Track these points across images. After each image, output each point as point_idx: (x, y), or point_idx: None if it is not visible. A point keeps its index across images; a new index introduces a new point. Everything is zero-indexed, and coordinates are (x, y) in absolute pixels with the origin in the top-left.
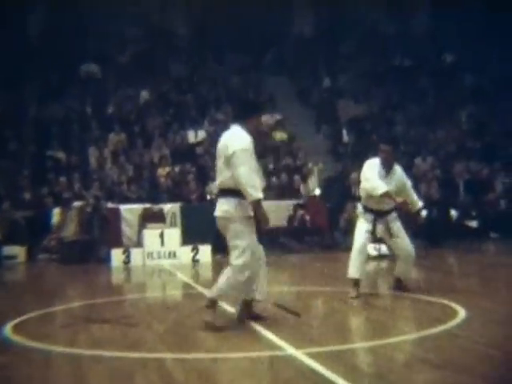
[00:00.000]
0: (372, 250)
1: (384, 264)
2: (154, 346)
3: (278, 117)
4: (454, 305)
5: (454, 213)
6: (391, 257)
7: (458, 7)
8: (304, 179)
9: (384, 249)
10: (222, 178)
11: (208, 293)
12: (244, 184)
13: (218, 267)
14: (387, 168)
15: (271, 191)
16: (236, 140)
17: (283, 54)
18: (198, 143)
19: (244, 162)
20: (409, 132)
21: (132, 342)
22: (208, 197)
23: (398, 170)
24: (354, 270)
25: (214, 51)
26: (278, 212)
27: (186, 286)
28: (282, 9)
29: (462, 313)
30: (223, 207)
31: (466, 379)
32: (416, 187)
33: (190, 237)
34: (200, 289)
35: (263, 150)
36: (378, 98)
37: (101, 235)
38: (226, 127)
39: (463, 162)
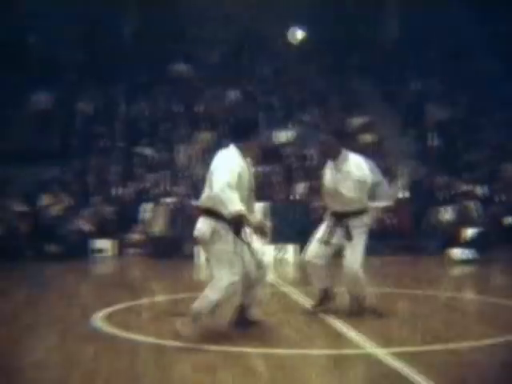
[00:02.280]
0: (457, 253)
1: (470, 268)
2: (237, 341)
3: (365, 119)
4: None
5: None
6: (478, 261)
7: None
8: (390, 182)
9: (469, 253)
10: (204, 195)
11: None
12: (219, 201)
13: (302, 267)
14: (334, 161)
15: None
16: (221, 159)
17: (370, 56)
18: (285, 144)
19: (219, 180)
20: (495, 136)
21: (214, 335)
22: (294, 197)
23: (351, 164)
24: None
25: (300, 52)
26: None
27: (269, 284)
28: (370, 10)
29: None
30: (200, 227)
31: None
32: (505, 192)
33: (275, 236)
34: (284, 288)
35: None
36: (465, 102)
37: (186, 232)
38: (311, 128)
39: None
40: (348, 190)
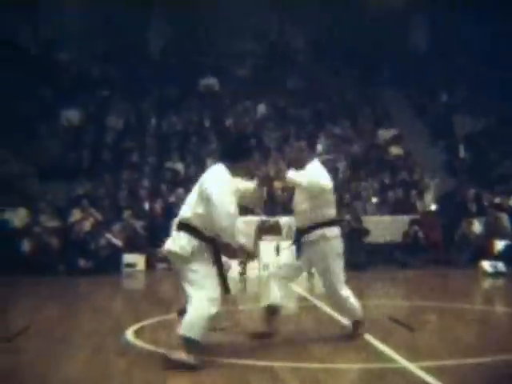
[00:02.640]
0: (488, 266)
1: (501, 281)
2: (268, 355)
3: (395, 131)
4: None
5: None
6: (509, 274)
7: None
8: (420, 194)
9: (501, 266)
10: (190, 212)
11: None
12: (226, 233)
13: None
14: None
15: (387, 206)
16: (217, 182)
17: (399, 69)
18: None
19: (225, 211)
20: None
21: (245, 349)
22: None
23: (305, 173)
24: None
25: (330, 66)
26: (394, 227)
27: (300, 298)
28: (398, 23)
29: None
30: (180, 242)
31: None
32: None
33: None
34: (315, 302)
35: (264, 198)
36: (495, 113)
37: None
38: (342, 141)
39: None
40: (300, 201)
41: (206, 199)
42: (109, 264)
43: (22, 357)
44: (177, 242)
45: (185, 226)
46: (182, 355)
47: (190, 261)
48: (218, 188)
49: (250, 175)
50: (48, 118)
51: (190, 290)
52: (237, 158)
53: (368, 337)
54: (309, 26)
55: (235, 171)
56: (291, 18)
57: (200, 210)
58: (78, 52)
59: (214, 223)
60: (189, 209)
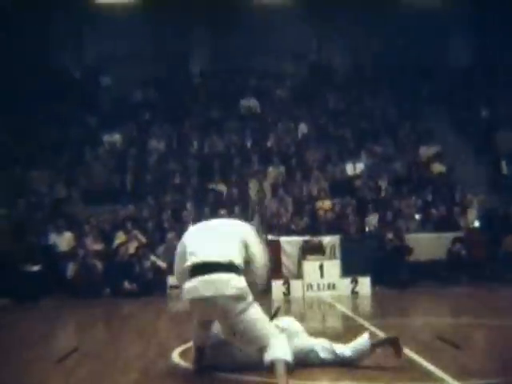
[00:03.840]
0: None
1: None
2: (318, 376)
3: (436, 148)
4: None
5: None
6: None
7: None
8: (463, 211)
9: None
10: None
11: None
12: (261, 275)
13: (377, 299)
14: None
15: (430, 223)
16: (249, 228)
17: (440, 85)
18: (357, 176)
19: (262, 256)
20: None
21: (296, 371)
22: (367, 229)
23: None
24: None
25: (370, 83)
26: (437, 244)
27: (345, 317)
28: (438, 39)
29: None
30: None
31: None
32: None
33: (349, 269)
34: (360, 321)
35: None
36: None
37: None
38: (384, 159)
39: None
40: None
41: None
42: (153, 286)
43: (71, 378)
44: (236, 284)
45: (231, 267)
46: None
47: (250, 301)
48: (252, 233)
49: None
50: (92, 143)
51: (257, 331)
52: None
53: (416, 356)
54: (348, 45)
55: None
56: (330, 38)
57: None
58: (119, 76)
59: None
60: (226, 249)
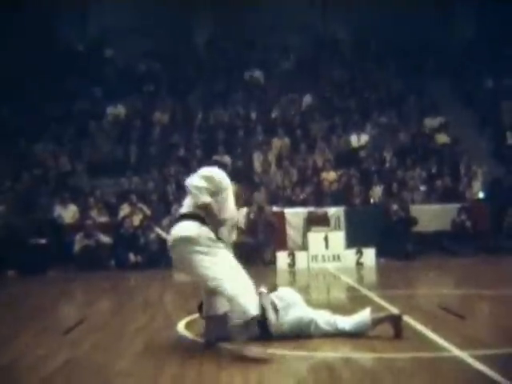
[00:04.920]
0: None
1: None
2: (319, 346)
3: (441, 119)
4: None
5: None
6: None
7: None
8: (468, 182)
9: None
10: None
11: None
12: None
13: (381, 270)
14: None
15: (435, 195)
16: None
17: (445, 57)
18: (362, 147)
19: None
20: None
21: (297, 341)
22: (372, 200)
23: None
24: None
25: (375, 56)
26: (442, 215)
27: (350, 288)
28: (443, 12)
29: None
30: None
31: None
32: None
33: (354, 240)
34: (365, 291)
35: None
36: None
37: (266, 238)
38: (388, 130)
39: None
40: None
41: None
42: (159, 258)
43: (77, 350)
44: None
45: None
46: (253, 351)
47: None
48: None
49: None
50: (96, 115)
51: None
52: None
53: (420, 326)
54: (352, 17)
55: None
56: (335, 11)
57: None
58: (124, 49)
59: None
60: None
